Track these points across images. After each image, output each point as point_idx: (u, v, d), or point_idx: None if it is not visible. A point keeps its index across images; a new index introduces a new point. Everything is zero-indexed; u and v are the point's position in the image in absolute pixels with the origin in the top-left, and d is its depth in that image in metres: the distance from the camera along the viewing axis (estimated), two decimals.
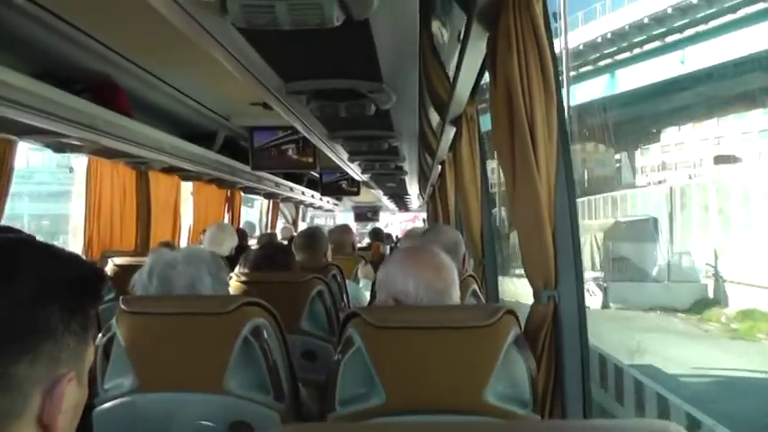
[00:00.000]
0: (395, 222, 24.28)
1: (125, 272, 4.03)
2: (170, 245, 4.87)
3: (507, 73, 1.93)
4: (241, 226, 8.81)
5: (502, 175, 2.15)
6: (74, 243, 5.46)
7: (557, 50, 2.05)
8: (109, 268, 4.27)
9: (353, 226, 12.24)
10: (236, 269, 3.58)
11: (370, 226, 15.28)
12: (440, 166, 5.47)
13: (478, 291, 3.03)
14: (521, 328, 1.82)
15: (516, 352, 1.76)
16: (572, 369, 1.97)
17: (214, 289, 2.19)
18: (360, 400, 1.74)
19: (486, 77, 2.44)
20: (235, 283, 2.94)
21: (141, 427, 2.00)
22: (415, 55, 2.53)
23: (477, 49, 2.34)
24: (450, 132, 3.86)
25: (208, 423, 1.98)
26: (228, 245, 5.30)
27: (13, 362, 0.86)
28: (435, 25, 2.59)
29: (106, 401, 2.02)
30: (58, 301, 0.91)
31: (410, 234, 4.60)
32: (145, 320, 2.01)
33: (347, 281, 4.25)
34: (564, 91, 21.24)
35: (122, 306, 2.02)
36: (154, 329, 2.01)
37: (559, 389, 1.97)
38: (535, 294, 2.01)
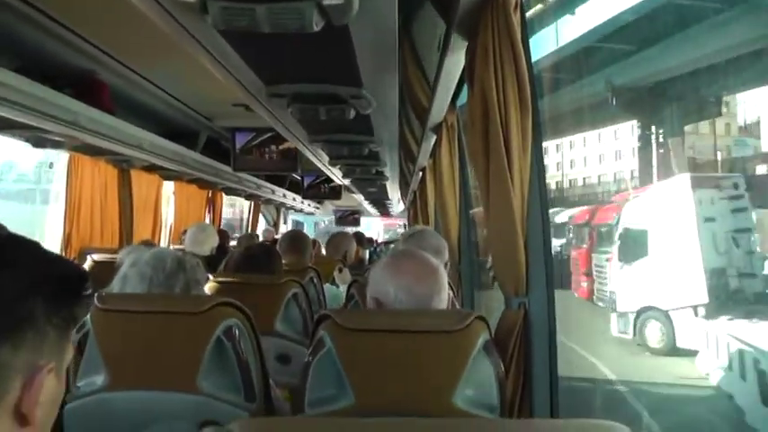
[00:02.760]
0: (375, 226, 24.26)
1: (103, 268, 4.03)
2: (151, 243, 4.87)
3: (484, 83, 1.97)
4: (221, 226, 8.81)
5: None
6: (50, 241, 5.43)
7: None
8: (87, 264, 4.26)
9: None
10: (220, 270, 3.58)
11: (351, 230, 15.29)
12: (420, 173, 5.51)
13: (453, 297, 3.04)
14: (491, 333, 1.84)
15: (485, 357, 1.78)
16: (540, 375, 2.00)
17: (188, 289, 2.20)
18: (329, 402, 1.75)
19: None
20: (210, 284, 2.94)
21: (113, 424, 2.00)
22: (395, 62, 2.56)
23: (457, 58, 2.38)
24: (431, 140, 3.89)
25: (179, 422, 1.99)
26: (209, 245, 5.28)
27: None
28: (415, 34, 2.62)
29: (78, 399, 2.02)
30: (42, 293, 0.94)
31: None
32: (119, 318, 2.01)
33: (327, 285, 4.25)
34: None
35: (97, 303, 2.02)
36: (127, 327, 2.01)
37: (528, 394, 2.00)
38: (506, 301, 2.04)
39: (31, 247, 0.99)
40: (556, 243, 23.06)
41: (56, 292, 0.96)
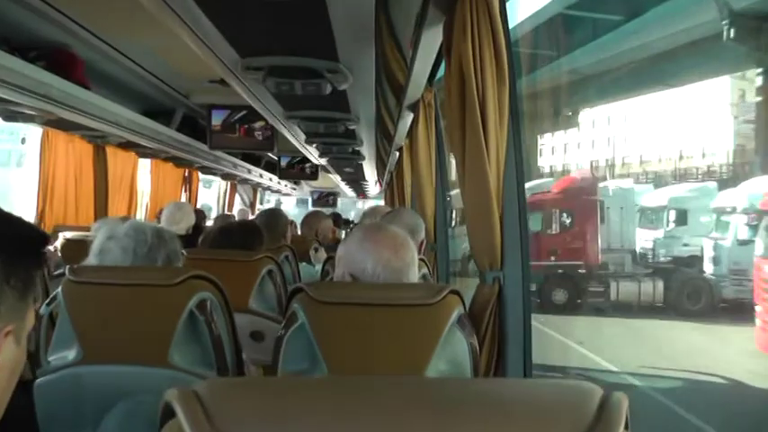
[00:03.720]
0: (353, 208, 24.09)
1: (75, 246, 4.00)
2: (127, 218, 4.82)
3: (461, 57, 1.95)
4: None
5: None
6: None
7: None
8: (59, 242, 4.21)
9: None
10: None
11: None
12: (397, 153, 5.50)
13: (428, 275, 3.05)
14: (465, 308, 1.84)
15: (459, 331, 1.78)
16: (514, 349, 2.01)
17: (170, 261, 2.18)
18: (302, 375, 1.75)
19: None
20: (184, 261, 2.92)
21: (84, 399, 1.98)
22: (371, 36, 2.54)
23: (434, 34, 2.36)
24: (408, 118, 3.88)
25: (151, 396, 1.97)
26: (186, 224, 5.23)
27: None
28: (392, 8, 2.60)
29: (49, 373, 2.00)
30: (0, 253, 0.92)
31: (372, 212, 4.59)
32: (91, 290, 1.99)
33: (302, 264, 4.24)
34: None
35: (69, 275, 1.99)
36: (99, 300, 1.99)
37: (501, 369, 2.01)
38: (481, 275, 2.04)
39: None
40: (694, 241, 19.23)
41: (14, 253, 0.94)
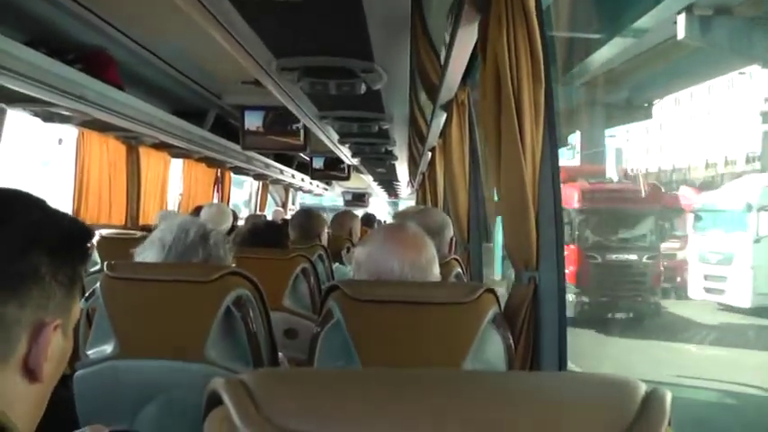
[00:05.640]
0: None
1: (112, 244, 4.06)
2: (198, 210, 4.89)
3: (497, 56, 1.95)
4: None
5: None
6: None
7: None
8: (96, 240, 4.27)
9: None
10: None
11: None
12: (429, 153, 5.50)
13: (462, 274, 3.04)
14: (500, 307, 1.84)
15: (494, 330, 1.78)
16: (550, 350, 2.00)
17: (206, 263, 2.18)
18: None
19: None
20: None
21: (121, 392, 2.01)
22: (407, 35, 2.54)
23: (469, 33, 2.36)
24: (441, 118, 3.87)
25: (187, 391, 1.99)
26: (226, 224, 5.30)
27: (3, 303, 0.90)
28: (427, 8, 2.60)
29: (88, 366, 2.02)
30: (46, 250, 0.94)
31: (402, 215, 4.58)
32: (128, 286, 2.01)
33: (335, 264, 4.25)
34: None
35: (107, 271, 2.02)
36: (137, 296, 2.01)
37: (536, 368, 2.00)
38: (516, 275, 2.04)
39: (35, 204, 0.99)
40: None
41: (60, 249, 0.97)
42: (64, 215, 1.02)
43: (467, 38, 2.42)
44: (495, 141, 2.03)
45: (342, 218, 5.72)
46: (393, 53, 2.75)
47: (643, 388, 0.69)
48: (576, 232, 16.54)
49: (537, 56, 1.91)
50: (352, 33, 2.50)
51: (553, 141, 2.00)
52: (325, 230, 4.49)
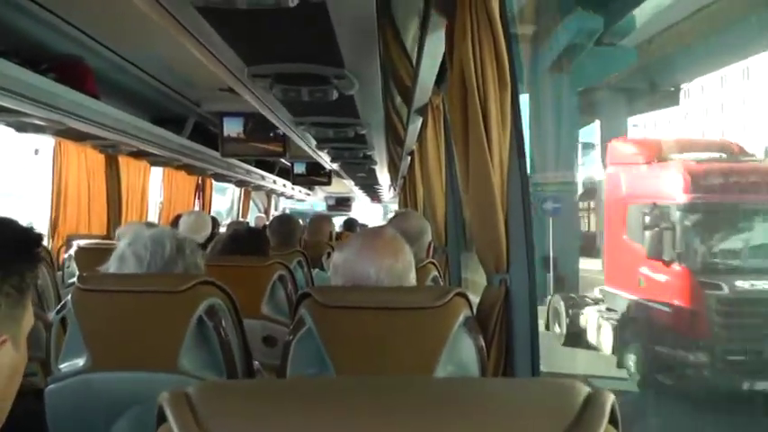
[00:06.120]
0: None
1: (89, 255, 4.04)
2: (152, 224, 4.85)
3: (462, 61, 1.96)
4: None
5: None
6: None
7: None
8: (73, 251, 4.26)
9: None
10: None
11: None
12: (409, 157, 5.51)
13: (439, 278, 3.05)
14: (472, 311, 1.85)
15: (466, 334, 1.79)
16: (522, 352, 2.01)
17: (186, 269, 2.17)
18: None
19: None
20: None
21: (95, 405, 2.00)
22: (375, 41, 2.55)
23: (438, 38, 2.37)
24: (417, 122, 3.89)
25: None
26: (205, 233, 5.29)
27: None
28: (396, 14, 2.61)
29: (60, 380, 2.01)
30: None
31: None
32: (99, 298, 2.00)
33: (315, 270, 4.25)
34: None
35: (78, 284, 2.01)
36: (108, 307, 2.00)
37: (510, 371, 2.01)
38: (487, 278, 2.05)
39: None
40: None
41: (6, 259, 0.92)
42: (9, 221, 0.97)
43: (436, 43, 2.44)
44: (462, 146, 2.05)
45: (318, 222, 5.71)
46: (363, 59, 2.75)
47: (585, 391, 0.70)
48: (682, 243, 10.50)
49: (502, 61, 1.92)
50: (321, 40, 2.51)
51: (520, 145, 2.02)
52: (300, 234, 4.49)
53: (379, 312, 1.76)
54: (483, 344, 1.85)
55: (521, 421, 0.68)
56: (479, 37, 1.90)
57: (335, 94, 3.04)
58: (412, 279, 1.96)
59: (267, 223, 9.30)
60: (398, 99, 3.70)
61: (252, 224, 10.06)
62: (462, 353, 1.80)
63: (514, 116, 1.97)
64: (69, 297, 2.03)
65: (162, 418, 0.67)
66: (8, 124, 4.17)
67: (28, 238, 0.98)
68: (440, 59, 2.73)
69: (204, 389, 0.68)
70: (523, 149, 2.03)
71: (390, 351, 1.75)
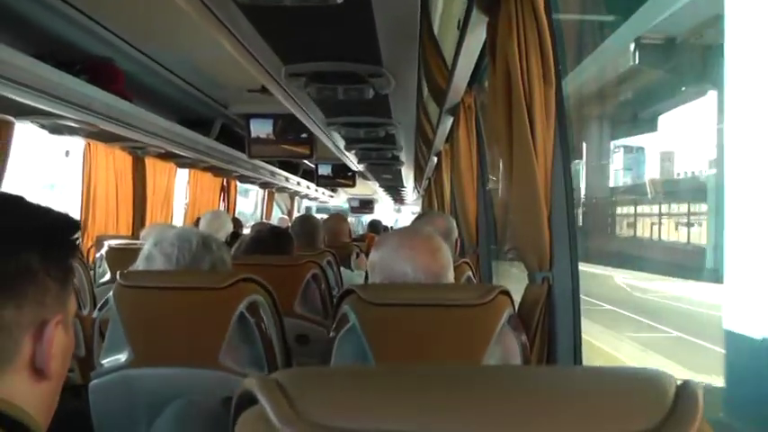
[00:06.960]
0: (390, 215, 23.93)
1: (120, 254, 4.07)
2: (173, 226, 4.87)
3: (507, 57, 1.95)
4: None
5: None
6: None
7: None
8: (104, 251, 4.29)
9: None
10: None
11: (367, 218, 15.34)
12: (435, 158, 5.50)
13: (473, 277, 3.04)
14: (515, 308, 1.84)
15: (510, 331, 1.77)
16: (564, 350, 1.99)
17: (215, 269, 2.18)
18: None
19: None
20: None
21: (136, 401, 2.01)
22: (416, 40, 2.55)
23: (477, 36, 2.36)
24: (448, 122, 3.88)
25: (202, 398, 1.99)
26: (224, 232, 5.29)
27: (1, 306, 0.88)
28: (434, 13, 2.61)
29: (102, 376, 2.02)
30: (36, 246, 0.93)
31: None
32: (141, 295, 2.01)
33: (342, 268, 4.25)
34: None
35: (120, 280, 2.03)
36: (150, 304, 2.01)
37: None
38: (529, 276, 2.03)
39: (15, 202, 0.98)
40: None
41: (50, 243, 0.96)
42: (47, 209, 1.00)
43: (474, 41, 2.43)
44: (506, 143, 2.03)
45: (335, 223, 5.68)
46: (401, 57, 2.75)
47: (674, 381, 0.68)
48: None
49: (547, 56, 1.91)
50: (361, 38, 2.51)
51: (564, 141, 2.00)
52: (323, 233, 4.49)
53: (423, 309, 1.75)
54: (527, 342, 1.84)
55: (612, 412, 0.66)
56: (525, 32, 1.89)
57: (371, 93, 3.04)
58: (450, 278, 1.95)
59: (290, 224, 9.38)
60: (431, 98, 3.68)
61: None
62: (506, 350, 1.78)
63: (558, 111, 1.96)
64: (111, 293, 2.04)
65: (243, 405, 0.67)
66: (42, 126, 4.22)
67: (67, 224, 1.02)
68: (475, 58, 2.72)
69: (292, 375, 0.68)
70: (567, 146, 2.02)
71: (434, 348, 1.74)
